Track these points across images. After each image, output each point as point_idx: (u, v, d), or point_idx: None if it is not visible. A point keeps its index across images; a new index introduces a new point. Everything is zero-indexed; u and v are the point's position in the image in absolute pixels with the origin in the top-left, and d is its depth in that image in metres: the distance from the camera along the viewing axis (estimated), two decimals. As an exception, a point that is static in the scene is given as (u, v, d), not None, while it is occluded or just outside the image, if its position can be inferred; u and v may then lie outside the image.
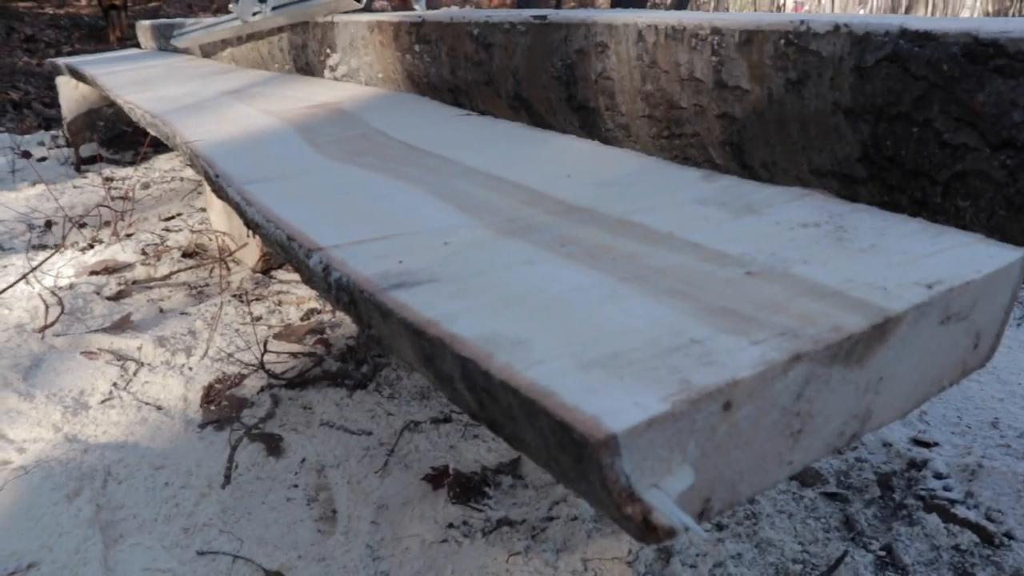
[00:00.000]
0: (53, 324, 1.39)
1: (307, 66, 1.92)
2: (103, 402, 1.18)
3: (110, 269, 1.66)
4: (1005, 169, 0.68)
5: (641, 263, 0.56)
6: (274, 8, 1.90)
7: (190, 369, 1.28)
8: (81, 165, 2.89)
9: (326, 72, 1.79)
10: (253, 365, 1.29)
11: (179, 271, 1.65)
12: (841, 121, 0.81)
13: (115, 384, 1.23)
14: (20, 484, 0.95)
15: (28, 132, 3.81)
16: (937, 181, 0.76)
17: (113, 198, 2.41)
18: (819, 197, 0.69)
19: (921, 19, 0.74)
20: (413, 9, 1.63)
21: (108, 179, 2.69)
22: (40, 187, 2.50)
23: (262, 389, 1.22)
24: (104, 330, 1.38)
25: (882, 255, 0.56)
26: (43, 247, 1.99)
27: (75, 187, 2.57)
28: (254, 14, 2.01)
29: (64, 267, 1.68)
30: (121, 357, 1.30)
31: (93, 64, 2.70)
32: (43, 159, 3.04)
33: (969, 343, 0.55)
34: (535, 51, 1.18)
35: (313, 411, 1.18)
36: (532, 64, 1.20)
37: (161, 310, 1.51)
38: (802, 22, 0.82)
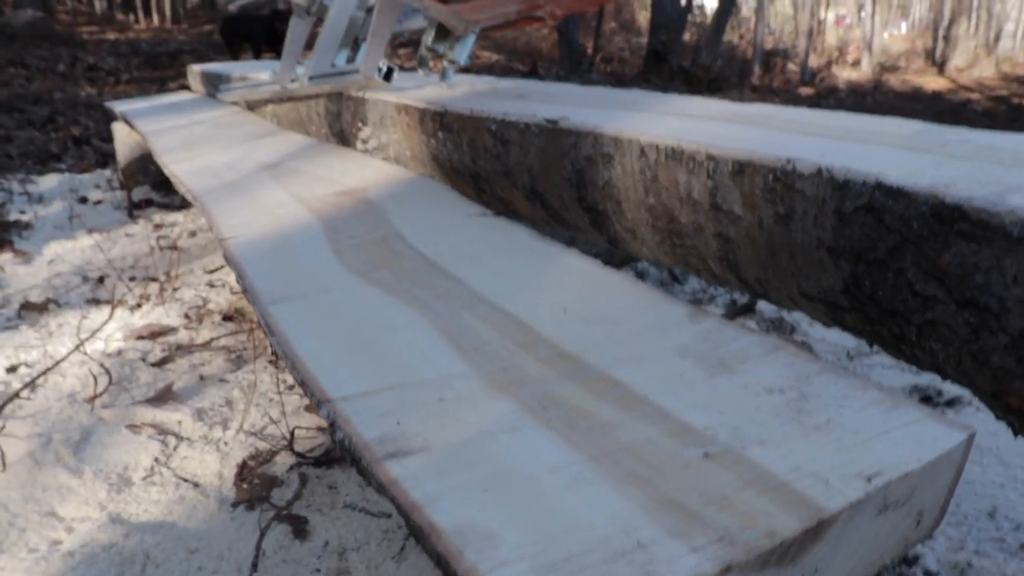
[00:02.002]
0: (101, 395, 1.49)
1: (341, 133, 2.01)
2: (145, 479, 1.27)
3: (155, 334, 1.76)
4: (969, 327, 0.72)
5: (613, 437, 0.62)
6: (310, 79, 1.99)
7: (226, 444, 1.37)
8: (134, 210, 3.03)
9: (358, 144, 1.87)
10: (284, 440, 1.36)
11: (219, 337, 1.74)
12: (824, 256, 0.86)
13: (156, 459, 1.32)
14: (67, 572, 1.04)
15: (87, 171, 3.99)
16: (911, 323, 0.80)
17: (162, 248, 2.54)
18: (791, 353, 0.74)
19: (898, 173, 0.78)
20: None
21: (158, 226, 2.82)
22: (95, 236, 2.63)
23: (291, 467, 1.30)
24: (148, 401, 1.48)
25: (835, 434, 0.61)
26: (96, 301, 2.11)
27: (127, 235, 2.71)
28: (292, 81, 2.10)
29: (114, 332, 1.79)
30: (163, 431, 1.39)
31: (144, 117, 2.84)
32: (99, 202, 3.20)
33: (910, 522, 0.59)
34: (548, 152, 1.24)
35: (337, 491, 1.25)
36: (545, 163, 1.26)
37: (201, 377, 1.60)
38: (788, 161, 0.86)
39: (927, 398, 1.58)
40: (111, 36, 12.98)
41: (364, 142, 1.85)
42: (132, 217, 2.97)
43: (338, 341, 0.83)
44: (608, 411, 0.66)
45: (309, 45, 2.11)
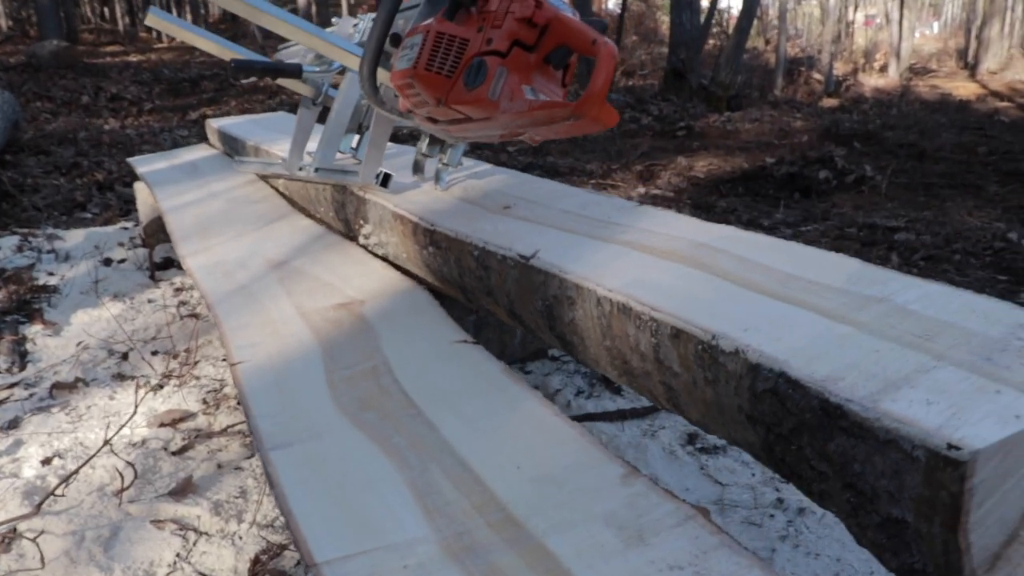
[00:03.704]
0: (127, 488, 1.64)
1: (346, 221, 2.16)
2: (168, 574, 1.43)
3: (175, 421, 1.92)
4: (850, 504, 0.85)
5: (540, 617, 0.76)
6: (316, 170, 2.15)
7: (240, 538, 1.52)
8: (155, 272, 3.20)
9: (361, 238, 2.02)
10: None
11: (235, 424, 1.89)
12: (744, 421, 0.99)
13: (178, 555, 1.48)
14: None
15: (111, 222, 4.18)
16: (812, 490, 0.93)
17: (182, 317, 2.70)
18: (698, 525, 0.87)
19: (802, 359, 0.91)
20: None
21: (178, 290, 2.99)
22: (119, 304, 2.80)
23: (298, 562, 1.45)
24: (170, 494, 1.63)
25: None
26: (121, 377, 2.28)
27: (149, 301, 2.88)
28: (300, 169, 2.26)
29: (138, 418, 1.95)
30: (183, 527, 1.54)
31: (164, 185, 3.01)
32: (122, 261, 3.37)
33: None
34: (522, 283, 1.39)
35: (338, 587, 1.40)
36: (521, 292, 1.40)
37: (219, 466, 1.76)
38: (714, 336, 1.00)
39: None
40: (134, 58, 13.30)
41: (366, 237, 2.00)
42: (154, 279, 3.14)
43: (325, 499, 0.97)
44: (539, 586, 0.80)
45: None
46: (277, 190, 2.74)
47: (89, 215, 4.47)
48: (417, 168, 1.90)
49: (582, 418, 1.89)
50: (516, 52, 1.47)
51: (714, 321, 1.03)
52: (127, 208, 4.56)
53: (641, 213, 1.56)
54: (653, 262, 1.28)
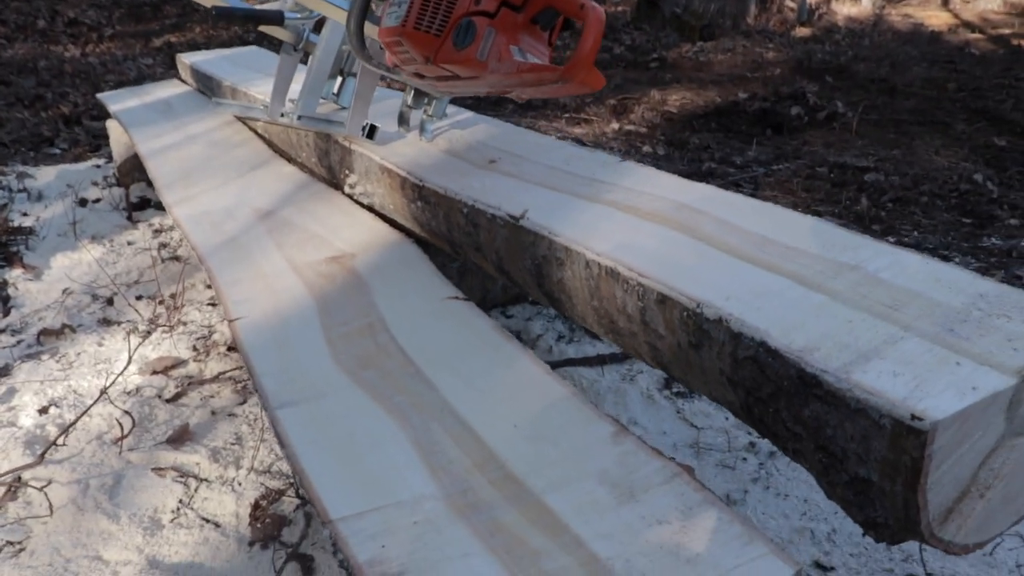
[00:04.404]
0: (127, 437, 1.70)
1: (330, 168, 2.18)
2: (172, 521, 1.50)
3: (167, 368, 1.96)
4: (822, 464, 0.94)
5: (539, 566, 0.84)
6: (298, 118, 2.15)
7: (239, 484, 1.59)
8: (132, 212, 3.19)
9: (346, 187, 2.04)
10: (289, 480, 1.58)
11: (226, 371, 1.94)
12: (725, 383, 1.07)
13: (181, 501, 1.54)
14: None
15: (81, 158, 4.11)
16: (787, 447, 1.01)
17: (163, 260, 2.71)
18: (683, 482, 0.95)
19: (781, 328, 0.97)
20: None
21: (157, 231, 2.99)
22: (99, 247, 2.80)
23: (296, 507, 1.52)
24: (168, 442, 1.69)
25: (699, 568, 0.83)
26: (107, 322, 2.31)
27: (129, 243, 2.88)
28: (281, 116, 2.25)
29: (130, 366, 1.99)
30: (184, 473, 1.61)
31: (140, 126, 2.97)
32: (97, 201, 3.34)
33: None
34: (512, 242, 1.43)
35: (337, 529, 1.48)
36: (511, 250, 1.45)
37: (213, 412, 1.81)
38: (699, 304, 1.06)
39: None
40: (88, -20, 12.71)
41: (352, 187, 2.02)
42: (131, 220, 3.13)
43: (334, 458, 1.04)
44: (538, 539, 0.87)
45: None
46: (256, 132, 2.72)
47: (58, 151, 4.39)
48: (402, 120, 1.91)
49: (563, 363, 1.97)
50: (504, 12, 1.48)
51: (698, 288, 1.10)
52: (96, 143, 4.48)
53: (624, 170, 1.61)
54: (638, 224, 1.33)
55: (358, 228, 1.77)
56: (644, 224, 1.33)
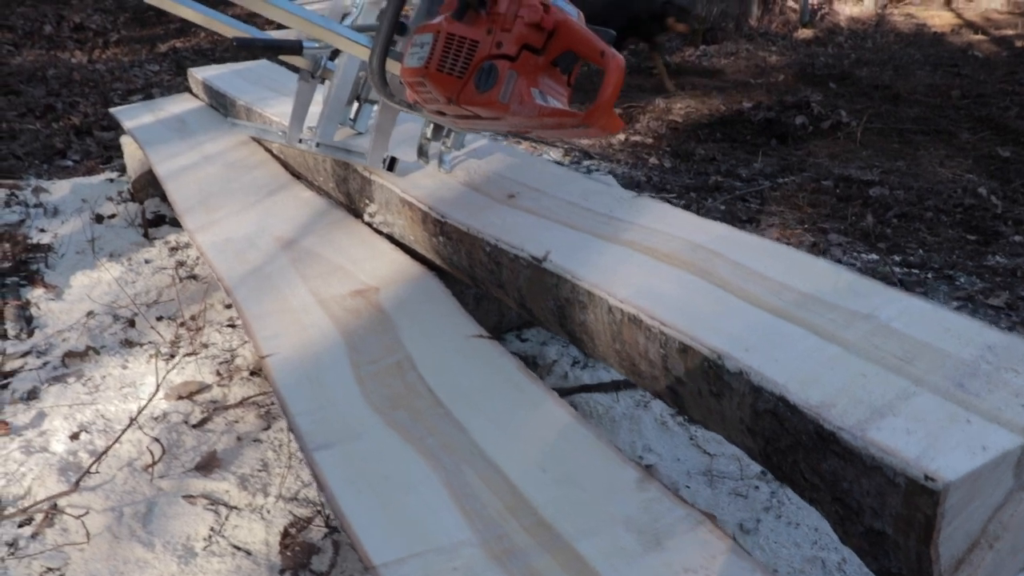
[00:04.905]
0: (157, 463, 1.75)
1: (348, 195, 2.23)
2: (205, 549, 1.55)
3: (192, 393, 2.01)
4: (838, 514, 0.99)
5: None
6: (317, 145, 2.20)
7: (268, 512, 1.64)
8: (148, 229, 3.23)
9: (366, 215, 2.09)
10: (316, 507, 1.64)
11: (250, 397, 2.00)
12: (745, 431, 1.12)
13: (212, 529, 1.60)
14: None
15: (93, 171, 4.16)
16: (804, 495, 1.06)
17: (181, 279, 2.76)
18: (707, 530, 1.00)
19: (797, 392, 1.02)
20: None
21: (173, 249, 3.04)
22: (118, 266, 2.85)
23: (325, 535, 1.57)
24: (197, 469, 1.74)
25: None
26: (129, 344, 2.36)
27: (147, 262, 2.93)
28: (300, 141, 2.30)
29: (154, 388, 2.04)
30: (214, 501, 1.66)
31: (155, 145, 3.02)
32: (112, 216, 3.39)
33: None
34: (534, 282, 1.48)
35: (364, 558, 1.53)
36: (533, 289, 1.50)
37: (239, 438, 1.87)
38: (719, 356, 1.11)
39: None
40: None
41: (371, 216, 2.07)
42: (147, 237, 3.17)
43: (372, 502, 1.09)
44: (573, 588, 0.93)
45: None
46: (272, 153, 2.77)
47: (70, 162, 4.44)
48: (421, 152, 1.95)
49: (578, 389, 2.02)
50: (525, 55, 1.53)
51: (719, 338, 1.15)
52: (107, 155, 4.53)
53: (639, 207, 1.66)
54: (657, 267, 1.38)
55: (380, 260, 1.82)
56: (662, 267, 1.38)
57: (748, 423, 1.10)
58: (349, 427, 1.26)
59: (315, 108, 2.28)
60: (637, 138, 4.95)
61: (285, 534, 1.59)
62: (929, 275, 2.84)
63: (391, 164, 1.93)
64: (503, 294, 1.63)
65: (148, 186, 3.44)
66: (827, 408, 0.99)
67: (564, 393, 2.02)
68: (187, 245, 3.05)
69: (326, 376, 1.40)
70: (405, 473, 1.14)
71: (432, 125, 1.93)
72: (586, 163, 4.36)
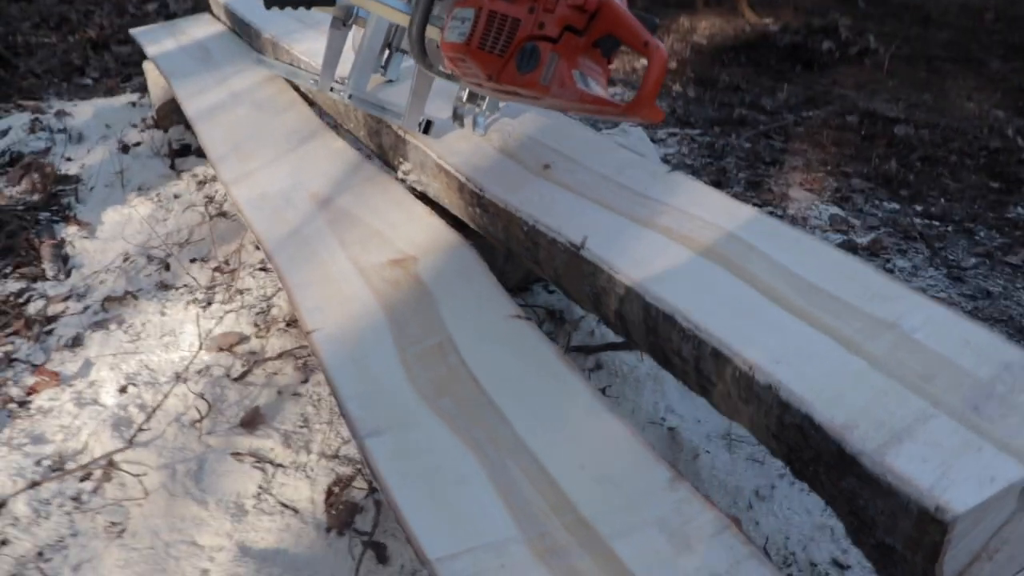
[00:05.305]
0: (203, 420, 1.86)
1: (380, 148, 2.25)
2: (255, 506, 1.67)
3: (232, 345, 2.10)
4: (853, 526, 1.08)
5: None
6: (350, 97, 2.21)
7: (311, 470, 1.75)
8: (175, 159, 3.26)
9: (399, 172, 2.12)
10: (356, 465, 1.75)
11: (288, 351, 2.08)
12: (771, 436, 1.19)
13: (261, 487, 1.71)
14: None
15: (113, 91, 4.15)
16: (824, 499, 1.15)
17: (211, 217, 2.81)
18: (732, 535, 1.09)
19: (823, 411, 1.09)
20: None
21: (201, 183, 3.08)
22: (147, 202, 2.90)
23: (367, 495, 1.69)
24: (242, 425, 1.85)
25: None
26: (165, 287, 2.44)
27: (175, 196, 2.97)
28: (331, 89, 2.30)
29: (195, 340, 2.13)
30: (260, 459, 1.77)
31: (181, 77, 3.00)
32: (138, 144, 3.41)
33: None
34: (571, 267, 1.54)
35: (403, 516, 1.65)
36: (570, 273, 1.56)
37: (279, 392, 1.96)
38: (751, 368, 1.18)
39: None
40: None
41: (405, 174, 2.10)
42: (174, 169, 3.21)
43: (425, 495, 1.18)
44: (609, 588, 1.03)
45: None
46: (299, 92, 2.77)
47: (89, 80, 4.41)
48: (456, 115, 1.96)
49: (604, 347, 2.10)
50: (567, 37, 1.54)
51: (751, 348, 1.21)
52: (126, 72, 4.50)
53: (673, 185, 1.68)
54: (692, 261, 1.43)
55: (417, 225, 1.86)
56: (698, 261, 1.42)
57: (774, 430, 1.17)
58: (397, 414, 1.34)
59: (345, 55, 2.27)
60: (660, 63, 4.85)
61: (329, 492, 1.70)
62: (949, 228, 2.87)
63: (426, 127, 1.95)
64: (539, 269, 1.68)
65: (172, 113, 3.45)
66: (850, 430, 1.06)
67: (590, 351, 2.10)
68: (214, 179, 3.09)
69: (371, 357, 1.48)
70: (455, 466, 1.23)
71: (467, 92, 1.94)
72: (611, 90, 4.29)
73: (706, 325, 1.27)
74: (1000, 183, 3.32)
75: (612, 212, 1.60)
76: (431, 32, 1.76)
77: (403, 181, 2.12)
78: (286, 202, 2.05)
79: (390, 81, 2.39)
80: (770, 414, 1.16)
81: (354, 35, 2.24)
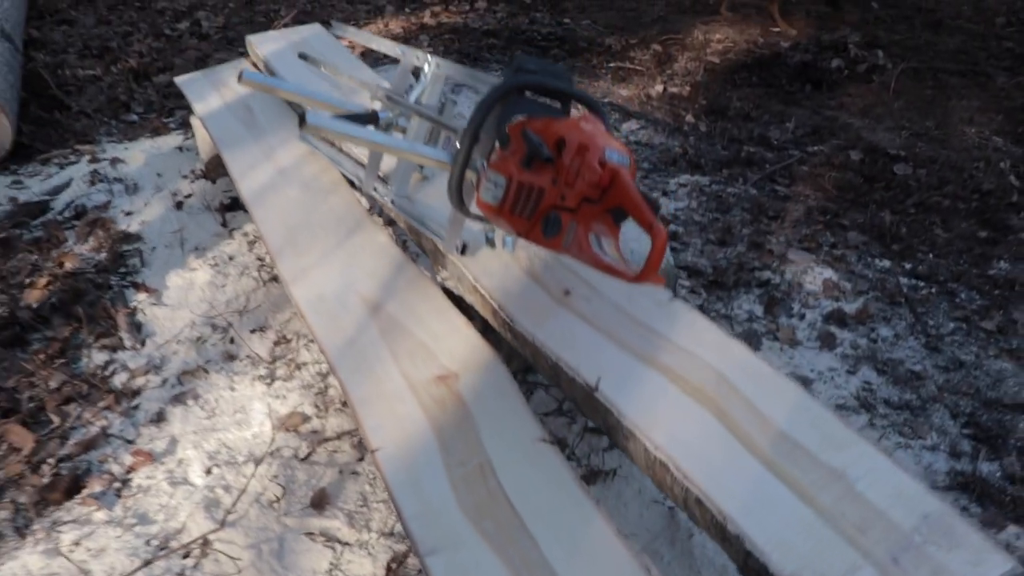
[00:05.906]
0: (280, 501, 2.22)
1: (420, 246, 2.56)
2: (328, 584, 2.03)
3: (296, 426, 2.45)
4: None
5: None
6: (393, 202, 2.51)
7: (372, 547, 2.11)
8: (225, 215, 3.58)
9: (439, 276, 2.44)
10: (407, 542, 2.10)
11: (346, 431, 2.43)
12: (740, 567, 1.52)
13: (331, 563, 2.07)
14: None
15: (160, 131, 4.44)
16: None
17: (265, 282, 3.15)
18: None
19: (778, 562, 1.41)
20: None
21: (252, 243, 3.40)
22: (205, 264, 3.23)
23: (419, 571, 2.04)
24: (312, 506, 2.20)
25: None
26: (231, 358, 2.78)
27: (230, 258, 3.30)
28: (374, 190, 2.61)
29: (264, 419, 2.48)
30: (329, 538, 2.13)
31: (227, 144, 3.30)
32: (189, 196, 3.73)
33: None
34: (587, 402, 1.86)
35: (450, 592, 2.00)
36: (586, 406, 1.88)
37: (340, 471, 2.32)
38: (724, 518, 1.50)
39: None
40: None
41: (444, 280, 2.41)
42: (225, 226, 3.53)
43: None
44: None
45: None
46: (342, 173, 3.06)
47: (135, 116, 4.70)
48: (488, 240, 2.26)
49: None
50: (584, 206, 1.84)
51: (726, 499, 1.53)
52: (167, 106, 4.78)
53: (673, 317, 1.99)
54: (686, 406, 1.74)
55: (456, 338, 2.18)
56: (690, 406, 1.74)
57: (741, 566, 1.50)
58: (448, 535, 1.68)
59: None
60: (674, 89, 5.08)
61: (388, 568, 2.06)
62: (933, 289, 3.15)
63: (463, 249, 2.26)
64: (560, 391, 2.00)
65: (219, 166, 3.74)
66: (797, 585, 1.39)
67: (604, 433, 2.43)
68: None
69: (424, 478, 1.81)
70: (495, 591, 1.57)
71: (496, 220, 2.23)
72: (625, 126, 4.55)
73: (692, 473, 1.59)
74: (988, 231, 3.58)
75: (623, 350, 1.91)
76: (468, 174, 2.06)
77: (442, 285, 2.44)
78: (341, 306, 2.36)
79: (426, 178, 2.69)
80: (738, 556, 1.49)
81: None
